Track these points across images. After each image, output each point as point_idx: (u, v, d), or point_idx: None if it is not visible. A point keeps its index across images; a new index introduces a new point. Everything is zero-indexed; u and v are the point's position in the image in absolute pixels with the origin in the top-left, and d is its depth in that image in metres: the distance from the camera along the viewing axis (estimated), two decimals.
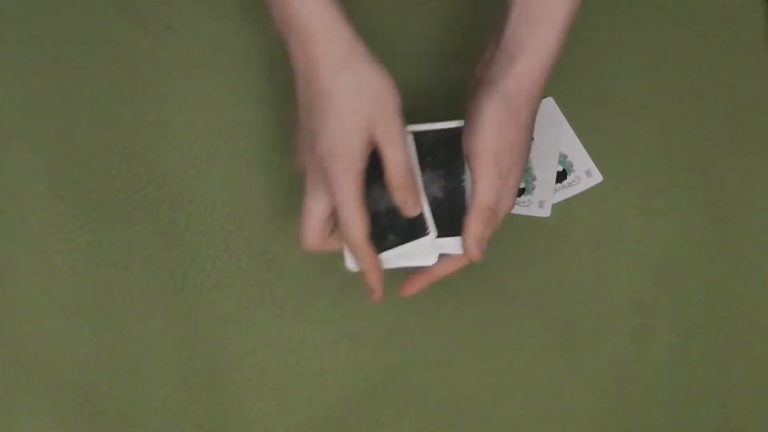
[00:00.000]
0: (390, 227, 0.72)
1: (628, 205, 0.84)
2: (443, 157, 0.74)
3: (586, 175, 0.84)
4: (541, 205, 0.83)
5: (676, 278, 0.83)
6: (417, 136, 0.74)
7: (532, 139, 0.74)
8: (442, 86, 0.86)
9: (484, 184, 0.70)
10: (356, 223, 0.68)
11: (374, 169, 0.71)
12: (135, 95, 0.86)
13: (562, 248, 0.83)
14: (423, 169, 0.73)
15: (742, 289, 0.83)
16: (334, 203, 0.68)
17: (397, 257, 0.72)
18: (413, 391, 0.82)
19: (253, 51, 0.86)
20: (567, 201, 0.84)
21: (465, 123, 0.72)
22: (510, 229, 0.83)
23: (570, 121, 0.85)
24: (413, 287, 0.76)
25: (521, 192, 0.83)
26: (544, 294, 0.83)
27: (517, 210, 0.83)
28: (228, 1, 0.87)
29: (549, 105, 0.85)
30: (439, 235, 0.71)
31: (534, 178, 0.84)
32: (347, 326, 0.82)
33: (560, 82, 0.85)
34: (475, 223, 0.70)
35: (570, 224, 0.84)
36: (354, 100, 0.67)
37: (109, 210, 0.84)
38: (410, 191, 0.70)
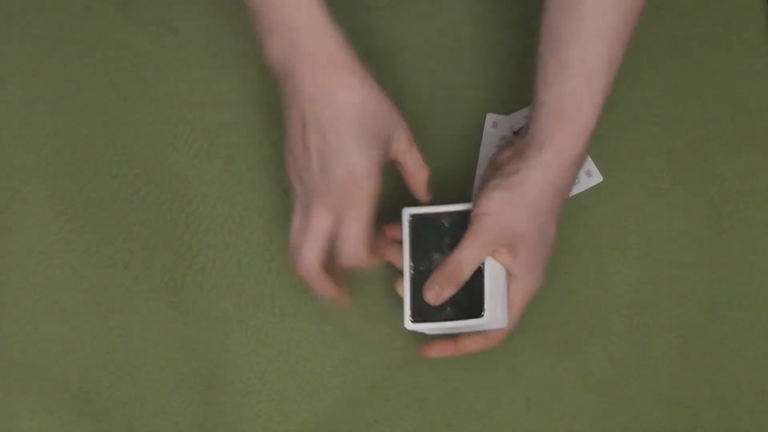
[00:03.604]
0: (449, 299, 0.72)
1: (628, 205, 0.84)
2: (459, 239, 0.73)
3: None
4: (588, 174, 0.84)
5: (676, 278, 0.83)
6: (433, 217, 0.75)
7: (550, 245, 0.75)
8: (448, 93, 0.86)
9: (465, 248, 0.71)
10: (364, 239, 0.70)
11: (434, 232, 0.73)
12: (135, 95, 0.86)
13: (562, 248, 0.83)
14: (443, 251, 0.74)
15: (742, 289, 0.83)
16: (346, 223, 0.69)
17: (447, 329, 0.74)
18: (413, 391, 0.82)
19: (253, 51, 0.86)
20: (567, 201, 0.84)
21: (482, 190, 0.73)
22: None
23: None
24: (438, 353, 0.77)
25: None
26: (543, 294, 0.82)
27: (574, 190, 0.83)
28: (228, 1, 0.87)
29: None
30: (455, 317, 0.73)
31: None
32: (347, 326, 0.82)
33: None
34: (446, 267, 0.71)
35: (570, 224, 0.83)
36: (371, 127, 0.69)
37: (109, 210, 0.84)
38: (428, 184, 0.74)
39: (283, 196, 0.84)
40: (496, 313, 0.72)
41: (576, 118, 0.71)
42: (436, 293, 0.71)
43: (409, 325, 0.73)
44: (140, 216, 0.84)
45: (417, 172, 0.74)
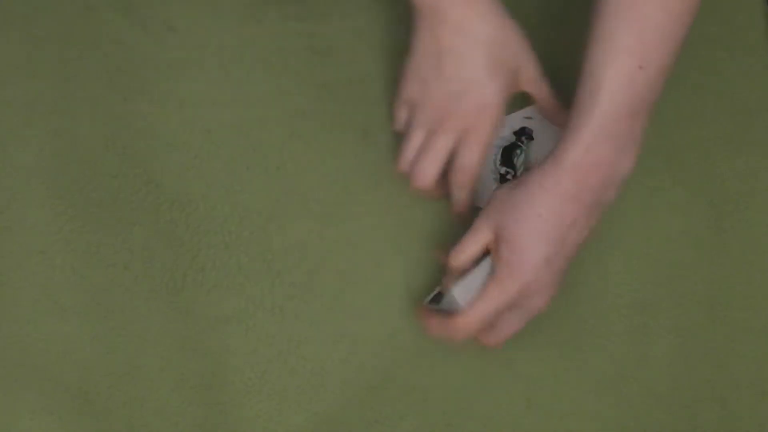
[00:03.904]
0: None
1: (628, 205, 0.84)
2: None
3: None
4: None
5: (676, 278, 0.83)
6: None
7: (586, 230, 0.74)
8: None
9: (465, 237, 0.75)
10: (481, 159, 0.78)
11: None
12: (135, 95, 0.86)
13: None
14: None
15: (742, 289, 0.83)
16: (470, 143, 0.77)
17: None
18: (413, 391, 0.82)
19: (253, 51, 0.86)
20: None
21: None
22: None
23: None
24: (430, 323, 0.77)
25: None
26: None
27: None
28: (228, 1, 0.87)
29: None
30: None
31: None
32: (347, 326, 0.82)
33: (561, 82, 0.85)
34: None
35: None
36: (499, 59, 0.75)
37: (109, 210, 0.84)
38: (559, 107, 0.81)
39: (283, 196, 0.84)
40: (460, 294, 0.74)
41: (599, 116, 0.70)
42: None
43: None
44: (140, 216, 0.84)
45: (548, 99, 0.81)
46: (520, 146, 0.83)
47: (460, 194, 0.80)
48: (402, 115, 0.81)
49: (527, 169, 0.82)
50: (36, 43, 0.86)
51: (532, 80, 0.79)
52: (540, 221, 0.71)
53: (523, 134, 0.84)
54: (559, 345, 0.82)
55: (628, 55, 0.69)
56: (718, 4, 0.87)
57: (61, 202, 0.84)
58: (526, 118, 0.84)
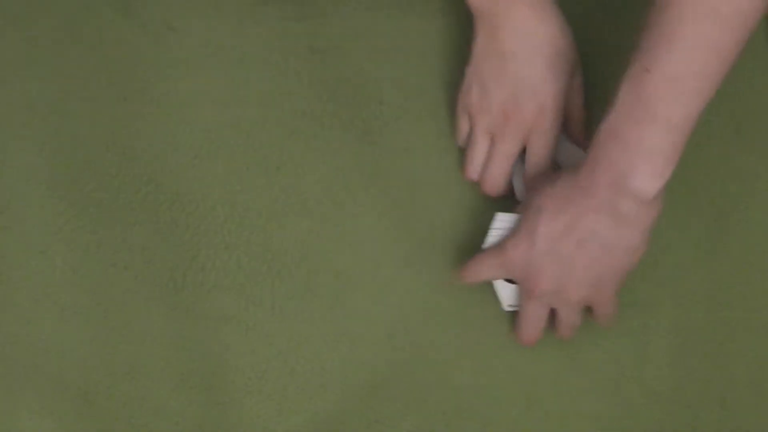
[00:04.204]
0: None
1: None
2: None
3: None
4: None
5: (676, 278, 0.83)
6: None
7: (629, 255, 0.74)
8: None
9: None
10: (507, 174, 0.80)
11: None
12: (135, 95, 0.86)
13: None
14: None
15: (742, 289, 0.83)
16: (537, 147, 0.78)
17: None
18: (413, 391, 0.82)
19: (253, 51, 0.86)
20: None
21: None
22: None
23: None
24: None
25: None
26: None
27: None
28: (228, 1, 0.87)
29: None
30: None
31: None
32: (347, 326, 0.82)
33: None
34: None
35: None
36: (552, 66, 0.77)
37: (109, 210, 0.84)
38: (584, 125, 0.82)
39: (283, 196, 0.84)
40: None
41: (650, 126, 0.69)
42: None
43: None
44: (140, 216, 0.84)
45: (579, 112, 0.81)
46: None
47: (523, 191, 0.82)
48: (464, 124, 0.82)
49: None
50: (36, 43, 0.86)
51: (578, 88, 0.81)
52: (552, 197, 0.73)
53: None
54: (559, 345, 0.82)
55: (639, 55, 0.68)
56: None
57: (61, 202, 0.84)
58: None
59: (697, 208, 0.84)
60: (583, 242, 0.72)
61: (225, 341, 0.82)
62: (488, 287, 0.83)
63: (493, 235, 0.78)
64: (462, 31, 0.87)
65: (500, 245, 0.76)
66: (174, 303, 0.82)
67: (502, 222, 0.77)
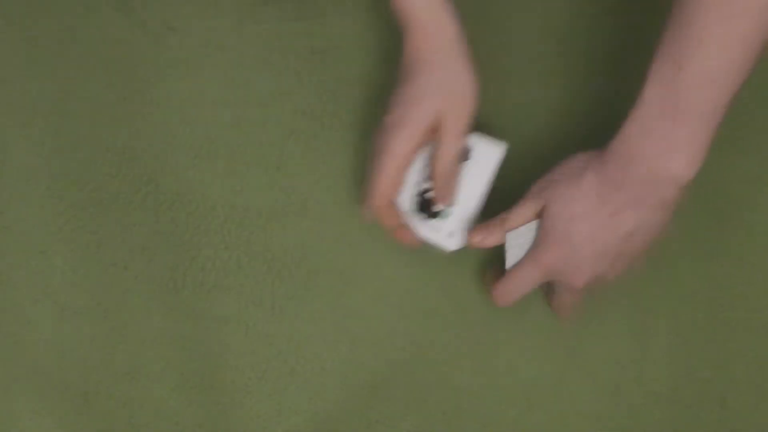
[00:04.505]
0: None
1: None
2: None
3: (448, 236, 0.80)
4: (450, 235, 0.79)
5: (676, 278, 0.83)
6: None
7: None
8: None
9: (517, 206, 0.76)
10: (381, 187, 0.76)
11: None
12: (135, 95, 0.86)
13: None
14: None
15: (742, 289, 0.83)
16: (375, 165, 0.76)
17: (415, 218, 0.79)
18: (413, 391, 0.82)
19: (253, 51, 0.86)
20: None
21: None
22: None
23: (570, 121, 0.85)
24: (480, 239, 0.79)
25: (435, 214, 0.79)
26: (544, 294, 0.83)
27: (425, 232, 0.79)
28: (228, 1, 0.87)
29: (500, 149, 0.80)
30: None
31: (452, 205, 0.79)
32: (347, 326, 0.82)
33: (561, 82, 0.85)
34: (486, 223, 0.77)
35: None
36: (439, 87, 0.75)
37: (109, 210, 0.84)
38: (447, 183, 0.77)
39: (283, 196, 0.84)
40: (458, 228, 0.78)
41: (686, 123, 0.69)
42: (480, 239, 0.77)
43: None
44: (140, 216, 0.84)
45: (448, 155, 0.78)
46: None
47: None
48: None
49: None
50: (36, 43, 0.86)
51: (455, 129, 0.77)
52: (582, 199, 0.72)
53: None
54: (559, 345, 0.82)
55: (668, 51, 0.68)
56: None
57: (61, 202, 0.84)
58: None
59: (697, 208, 0.84)
60: (628, 236, 0.72)
61: (225, 341, 0.82)
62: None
63: (512, 254, 0.77)
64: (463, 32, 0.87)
65: (533, 259, 0.75)
66: (174, 303, 0.82)
67: (514, 239, 0.76)
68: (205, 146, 0.85)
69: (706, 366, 0.82)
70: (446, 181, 0.77)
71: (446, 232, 0.79)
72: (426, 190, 0.79)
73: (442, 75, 0.75)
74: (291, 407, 0.81)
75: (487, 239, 0.77)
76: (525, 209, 0.75)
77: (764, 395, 0.82)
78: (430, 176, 0.78)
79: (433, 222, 0.79)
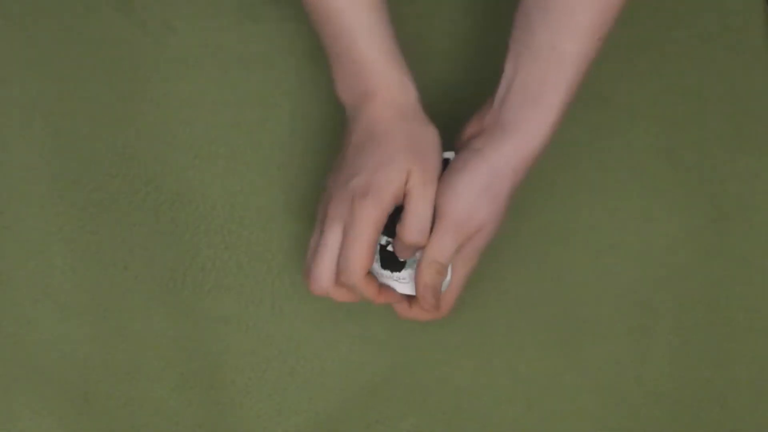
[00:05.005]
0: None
1: (628, 206, 0.84)
2: None
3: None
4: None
5: (676, 278, 0.83)
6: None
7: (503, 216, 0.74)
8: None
9: (437, 240, 0.71)
10: (363, 259, 0.70)
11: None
12: (135, 95, 0.86)
13: (562, 249, 0.83)
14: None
15: (742, 289, 0.83)
16: (349, 235, 0.70)
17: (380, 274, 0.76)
18: (413, 391, 0.82)
19: (253, 51, 0.86)
20: (567, 200, 0.84)
21: (444, 173, 0.73)
22: (509, 229, 0.83)
23: (570, 121, 0.85)
24: (387, 299, 0.75)
25: (401, 266, 0.76)
26: (543, 294, 0.83)
27: (400, 288, 0.76)
28: (228, 1, 0.87)
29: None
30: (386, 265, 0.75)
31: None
32: (347, 326, 0.82)
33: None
34: (426, 271, 0.72)
35: (570, 224, 0.83)
36: (406, 148, 0.71)
37: (109, 210, 0.84)
38: (420, 235, 0.72)
39: (283, 196, 0.84)
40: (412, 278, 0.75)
41: (542, 107, 0.71)
42: (431, 290, 0.73)
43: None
44: (140, 216, 0.84)
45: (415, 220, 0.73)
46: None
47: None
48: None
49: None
50: (36, 43, 0.86)
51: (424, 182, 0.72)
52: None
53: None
54: (559, 345, 0.82)
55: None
56: (718, 4, 0.87)
57: (61, 202, 0.84)
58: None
59: (697, 208, 0.84)
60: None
61: (225, 341, 0.82)
62: (488, 288, 0.83)
63: (402, 285, 0.75)
64: (464, 32, 0.87)
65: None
66: (174, 303, 0.82)
67: (395, 278, 0.75)
68: (205, 146, 0.85)
69: (706, 366, 0.82)
70: (419, 233, 0.72)
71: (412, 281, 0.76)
72: (387, 244, 0.75)
73: (409, 137, 0.72)
74: (291, 407, 0.81)
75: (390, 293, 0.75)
76: (447, 243, 0.73)
77: (764, 395, 0.82)
78: (386, 229, 0.74)
79: (400, 274, 0.76)
